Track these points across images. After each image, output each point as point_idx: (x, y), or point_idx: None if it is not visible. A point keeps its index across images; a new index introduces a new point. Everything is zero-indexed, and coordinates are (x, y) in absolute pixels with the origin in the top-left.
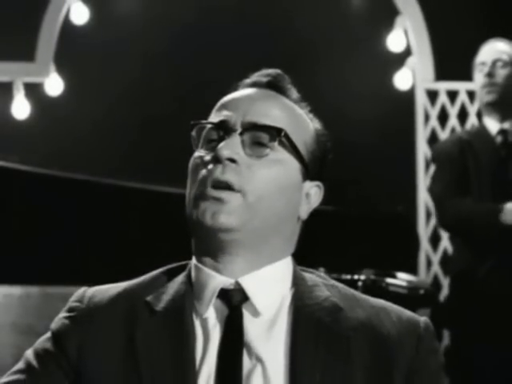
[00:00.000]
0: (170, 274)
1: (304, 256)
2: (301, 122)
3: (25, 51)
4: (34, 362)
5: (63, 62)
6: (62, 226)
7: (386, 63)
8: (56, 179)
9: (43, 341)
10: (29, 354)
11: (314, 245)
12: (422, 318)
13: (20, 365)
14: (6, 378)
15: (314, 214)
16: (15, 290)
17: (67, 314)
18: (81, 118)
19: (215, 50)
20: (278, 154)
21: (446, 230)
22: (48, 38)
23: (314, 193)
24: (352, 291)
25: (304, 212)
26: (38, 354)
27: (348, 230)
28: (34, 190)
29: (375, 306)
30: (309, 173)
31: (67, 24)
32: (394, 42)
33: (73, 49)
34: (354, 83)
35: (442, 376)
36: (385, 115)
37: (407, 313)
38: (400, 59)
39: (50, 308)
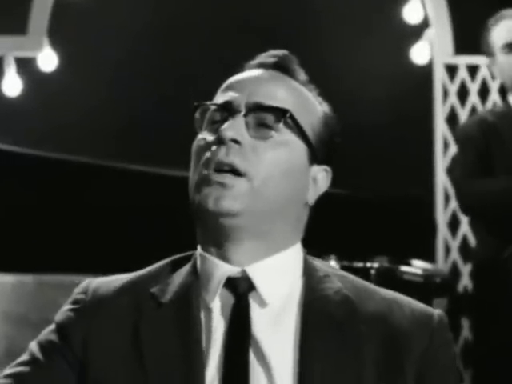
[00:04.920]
0: (175, 265)
1: (314, 243)
2: (308, 104)
3: (16, 24)
4: (39, 354)
5: (57, 36)
6: (58, 212)
7: (402, 36)
8: (51, 161)
9: (47, 333)
10: (33, 345)
11: (325, 231)
12: (436, 311)
13: (24, 357)
14: (10, 370)
15: (325, 199)
16: (9, 278)
17: (72, 306)
18: (75, 94)
19: (223, 24)
20: (284, 135)
21: (468, 213)
22: (41, 10)
23: (321, 177)
24: (363, 282)
25: (311, 197)
26: (43, 346)
27: (360, 214)
28: (29, 173)
29: (387, 298)
30: (316, 156)
31: None
32: (411, 13)
33: (67, 21)
34: (368, 58)
35: (454, 370)
36: (401, 92)
37: (420, 305)
38: (417, 32)
39: (43, 297)
